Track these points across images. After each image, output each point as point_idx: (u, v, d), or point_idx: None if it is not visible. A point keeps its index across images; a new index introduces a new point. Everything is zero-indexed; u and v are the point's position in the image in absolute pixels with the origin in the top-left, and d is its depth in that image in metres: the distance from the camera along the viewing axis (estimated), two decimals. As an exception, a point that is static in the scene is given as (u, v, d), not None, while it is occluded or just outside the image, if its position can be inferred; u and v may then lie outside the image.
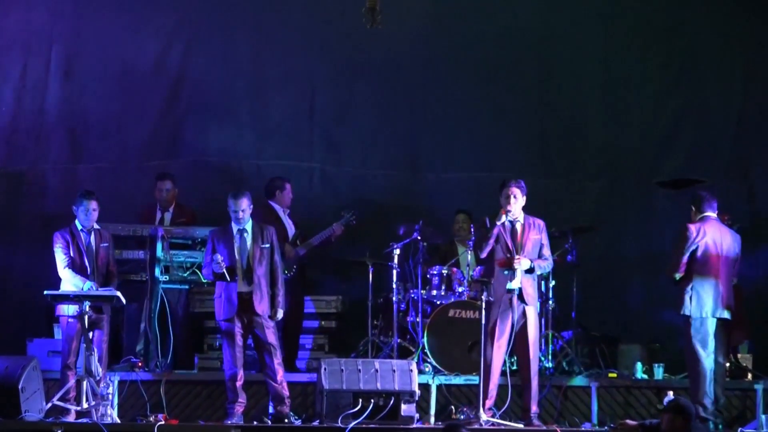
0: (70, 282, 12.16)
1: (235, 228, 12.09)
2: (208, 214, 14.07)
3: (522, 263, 11.84)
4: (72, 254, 12.22)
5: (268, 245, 12.09)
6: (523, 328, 11.90)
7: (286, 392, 12.02)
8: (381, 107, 14.78)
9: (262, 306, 11.98)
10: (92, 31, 14.67)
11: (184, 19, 14.78)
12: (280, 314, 12.12)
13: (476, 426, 11.59)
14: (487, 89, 14.69)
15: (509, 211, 11.91)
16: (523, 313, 11.91)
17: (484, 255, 12.00)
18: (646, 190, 14.27)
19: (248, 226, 12.11)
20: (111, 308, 12.30)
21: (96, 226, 12.40)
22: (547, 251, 12.11)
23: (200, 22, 14.78)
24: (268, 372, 12.06)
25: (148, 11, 14.71)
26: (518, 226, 11.96)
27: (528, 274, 11.92)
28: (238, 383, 11.98)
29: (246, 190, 12.17)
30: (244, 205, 12.01)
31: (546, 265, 12.16)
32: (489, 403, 11.80)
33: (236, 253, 12.01)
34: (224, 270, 11.87)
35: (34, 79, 14.64)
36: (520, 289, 11.89)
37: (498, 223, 11.89)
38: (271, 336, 12.04)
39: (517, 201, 11.93)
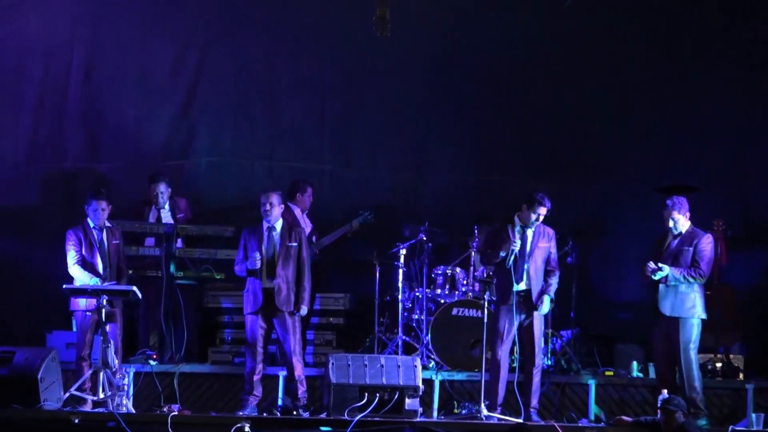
0: (78, 279, 12.30)
1: (265, 225, 12.27)
2: (221, 212, 14.33)
3: (545, 307, 12.04)
4: (84, 251, 12.36)
5: (295, 244, 12.26)
6: (529, 327, 12.03)
7: (302, 386, 12.20)
8: (389, 112, 14.84)
9: (284, 302, 12.15)
10: (111, 35, 14.77)
11: (200, 25, 14.85)
12: (303, 310, 12.30)
13: (477, 420, 11.71)
14: (492, 95, 14.73)
15: (533, 224, 11.98)
16: (529, 314, 12.04)
17: (488, 265, 12.24)
18: (643, 195, 14.19)
19: (278, 225, 12.28)
20: (124, 302, 12.41)
21: (107, 224, 12.52)
22: (554, 260, 12.21)
23: (215, 28, 14.84)
24: (288, 366, 12.24)
25: (165, 18, 14.80)
26: (529, 233, 12.06)
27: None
28: (256, 377, 12.14)
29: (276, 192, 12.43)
30: (272, 199, 12.22)
31: (556, 281, 12.19)
32: (500, 399, 11.92)
33: (263, 250, 12.19)
34: (259, 267, 12.08)
35: (55, 81, 14.74)
36: (528, 291, 12.04)
37: (506, 253, 11.92)
38: (293, 331, 12.19)
39: (541, 219, 12.04)
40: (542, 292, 12.03)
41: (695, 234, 12.09)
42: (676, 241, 12.08)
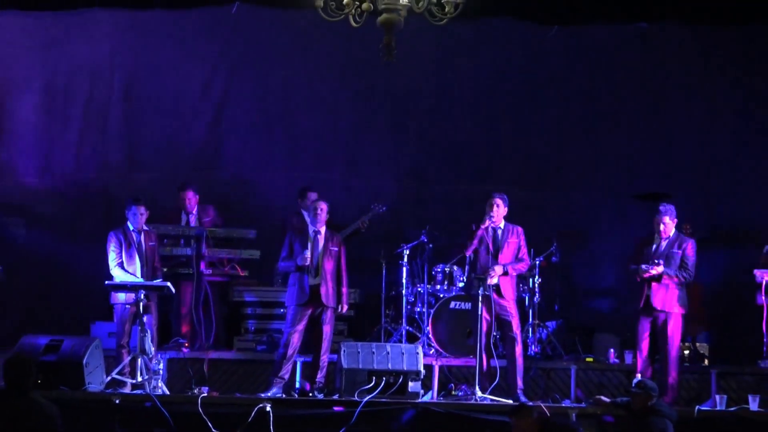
0: (118, 278, 12.35)
1: (311, 229, 12.35)
2: (244, 217, 14.26)
3: (495, 270, 12.08)
4: (123, 251, 12.40)
5: (336, 248, 12.34)
6: (505, 318, 12.11)
7: (323, 372, 12.25)
8: (394, 128, 14.89)
9: (328, 297, 12.21)
10: (148, 61, 14.78)
11: (226, 52, 14.88)
12: (345, 308, 12.38)
13: (472, 401, 11.76)
14: (485, 114, 14.79)
15: (492, 218, 12.17)
16: (502, 305, 12.12)
17: (468, 252, 12.27)
18: (620, 201, 14.37)
19: (322, 229, 12.36)
20: (159, 296, 12.45)
21: (145, 227, 12.57)
22: (524, 253, 12.31)
23: (240, 54, 14.88)
24: (317, 352, 12.28)
25: (196, 45, 14.81)
26: (499, 232, 12.22)
27: (504, 275, 12.16)
28: (288, 362, 12.18)
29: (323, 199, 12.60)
30: (323, 206, 12.34)
31: (521, 267, 12.34)
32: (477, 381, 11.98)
33: (309, 251, 12.28)
34: (308, 264, 12.16)
35: (98, 101, 14.74)
36: (498, 286, 12.11)
37: (483, 226, 12.14)
38: (329, 324, 12.27)
39: (499, 209, 12.17)
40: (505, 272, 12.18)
41: (682, 239, 12.16)
42: (665, 244, 12.11)
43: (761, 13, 14.16)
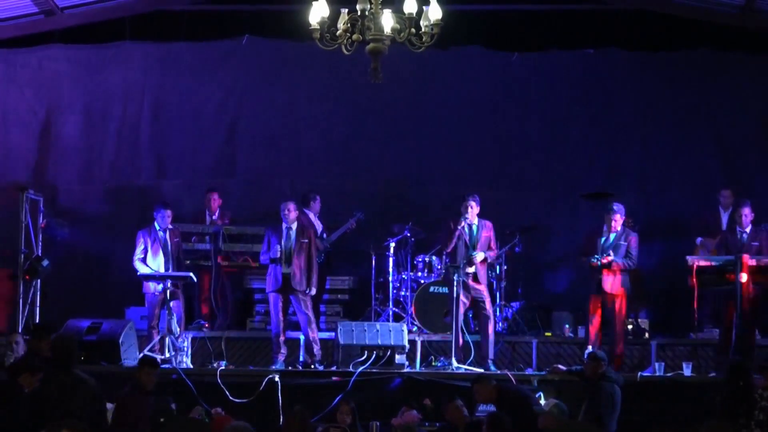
0: (141, 271, 12.43)
1: (284, 225, 12.33)
2: (255, 216, 14.19)
3: (478, 256, 12.11)
4: (149, 248, 12.45)
5: (306, 241, 12.32)
6: (480, 300, 12.14)
7: (316, 346, 12.21)
8: (381, 139, 14.80)
9: (299, 283, 12.19)
10: (173, 85, 14.79)
11: (238, 77, 14.86)
12: (313, 291, 12.35)
13: (449, 370, 11.78)
14: (458, 127, 14.72)
15: (467, 217, 12.17)
16: (477, 289, 12.14)
17: (449, 250, 12.27)
18: (573, 200, 14.33)
19: (294, 225, 12.33)
20: (183, 284, 12.47)
21: (170, 226, 12.61)
22: (494, 244, 12.38)
23: (250, 79, 14.85)
24: (303, 332, 12.26)
25: (214, 71, 14.81)
26: (474, 228, 12.23)
27: (482, 263, 12.19)
28: (281, 339, 12.18)
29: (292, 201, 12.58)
30: (290, 206, 12.33)
31: (493, 255, 12.42)
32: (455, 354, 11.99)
33: (282, 244, 12.24)
34: (279, 256, 12.12)
35: (131, 119, 14.74)
36: (475, 273, 12.14)
37: (459, 226, 12.15)
38: (306, 306, 12.23)
39: (473, 209, 12.20)
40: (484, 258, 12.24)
41: (628, 232, 12.19)
42: (613, 236, 12.11)
43: (688, 42, 14.45)
